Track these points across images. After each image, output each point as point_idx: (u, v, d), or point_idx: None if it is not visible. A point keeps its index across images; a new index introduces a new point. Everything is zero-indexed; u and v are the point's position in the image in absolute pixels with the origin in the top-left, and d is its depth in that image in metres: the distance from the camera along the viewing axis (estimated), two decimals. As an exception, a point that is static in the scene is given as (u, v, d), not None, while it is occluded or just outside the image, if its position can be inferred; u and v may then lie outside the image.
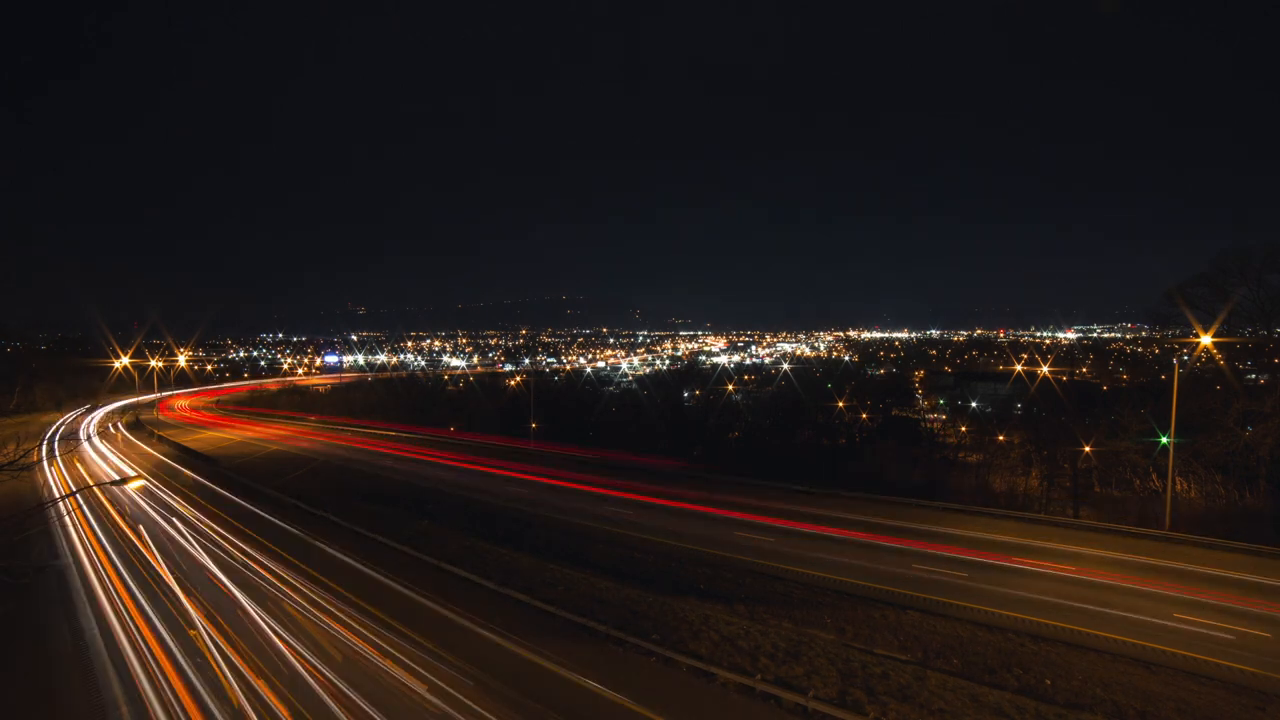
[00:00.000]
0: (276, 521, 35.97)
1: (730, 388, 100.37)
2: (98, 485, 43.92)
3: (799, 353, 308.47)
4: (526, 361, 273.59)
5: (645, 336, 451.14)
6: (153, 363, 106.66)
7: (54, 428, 77.88)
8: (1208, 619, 22.40)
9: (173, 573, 28.12)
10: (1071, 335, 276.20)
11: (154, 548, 31.71)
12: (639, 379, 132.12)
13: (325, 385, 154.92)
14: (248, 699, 17.92)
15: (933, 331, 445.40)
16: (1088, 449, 41.50)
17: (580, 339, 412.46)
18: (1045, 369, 63.18)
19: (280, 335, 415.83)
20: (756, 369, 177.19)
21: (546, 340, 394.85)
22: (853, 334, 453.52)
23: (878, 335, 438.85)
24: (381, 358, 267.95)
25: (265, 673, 19.27)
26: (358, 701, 17.60)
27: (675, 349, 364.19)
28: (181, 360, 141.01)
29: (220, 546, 31.68)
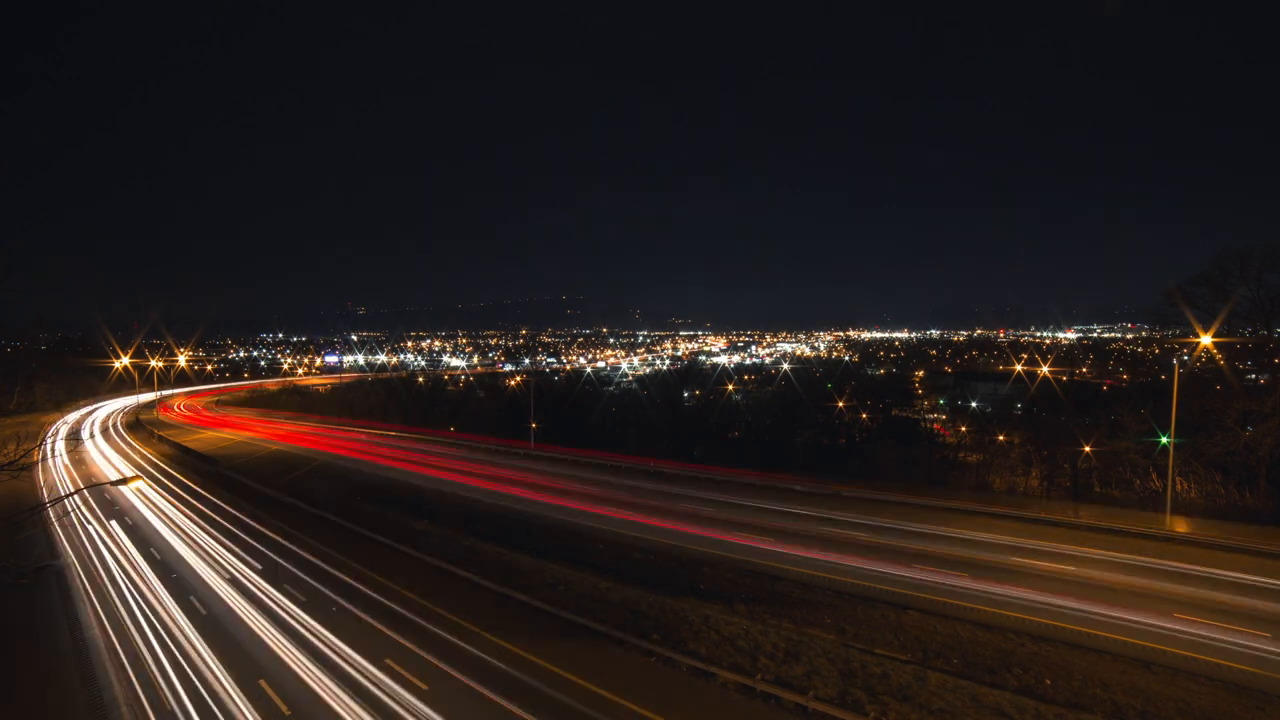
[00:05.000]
0: (276, 522, 35.96)
1: (730, 388, 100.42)
2: (97, 485, 43.92)
3: (799, 353, 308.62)
4: (526, 361, 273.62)
5: (645, 336, 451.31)
6: (153, 363, 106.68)
7: (54, 427, 77.92)
8: (1208, 619, 22.38)
9: (172, 573, 28.14)
10: (1071, 335, 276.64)
11: (153, 548, 31.72)
12: (639, 379, 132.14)
13: (325, 385, 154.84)
14: (247, 699, 17.93)
15: (933, 331, 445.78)
16: (1088, 449, 41.46)
17: (580, 339, 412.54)
18: (1045, 369, 63.17)
19: (280, 335, 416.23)
20: (756, 369, 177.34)
21: (546, 340, 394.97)
22: (853, 334, 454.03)
23: (878, 335, 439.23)
24: (381, 358, 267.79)
25: (263, 673, 19.28)
26: (357, 704, 17.60)
27: (675, 349, 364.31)
28: (181, 360, 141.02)
29: (219, 547, 31.69)
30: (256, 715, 17.19)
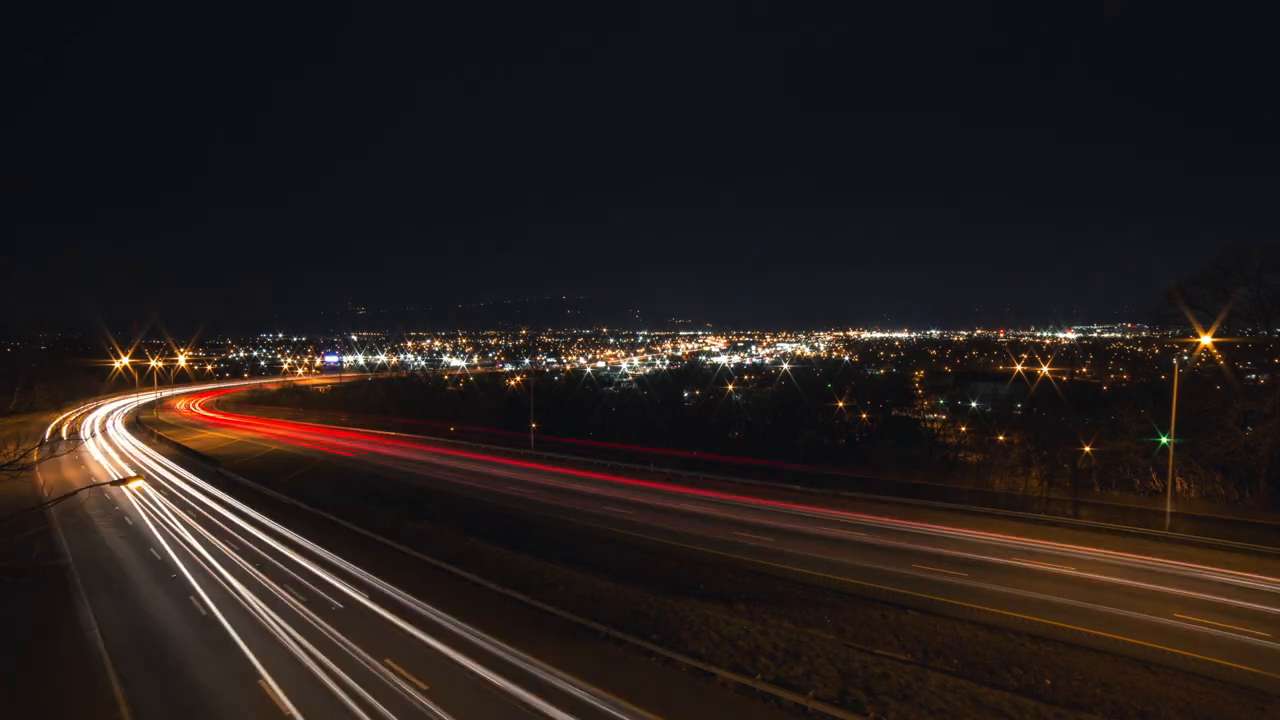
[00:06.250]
0: (275, 522, 35.96)
1: (730, 388, 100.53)
2: (97, 485, 43.88)
3: (799, 353, 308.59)
4: (526, 361, 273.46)
5: (645, 336, 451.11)
6: (153, 362, 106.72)
7: (54, 427, 77.90)
8: (1208, 619, 22.39)
9: (171, 573, 28.13)
10: (1071, 335, 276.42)
11: (153, 548, 31.73)
12: (639, 379, 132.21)
13: (325, 385, 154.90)
14: (247, 699, 17.92)
15: (933, 331, 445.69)
16: (1088, 449, 41.48)
17: (580, 339, 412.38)
18: (1045, 369, 63.20)
19: (280, 335, 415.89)
20: (756, 369, 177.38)
21: (546, 340, 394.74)
22: (853, 334, 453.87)
23: (878, 335, 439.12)
24: (381, 358, 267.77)
25: (263, 673, 19.27)
26: (357, 704, 17.59)
27: (675, 349, 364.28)
28: (181, 360, 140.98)
29: (218, 547, 31.68)
30: (257, 715, 17.18)
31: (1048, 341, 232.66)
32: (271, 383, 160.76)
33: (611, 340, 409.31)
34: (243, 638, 21.65)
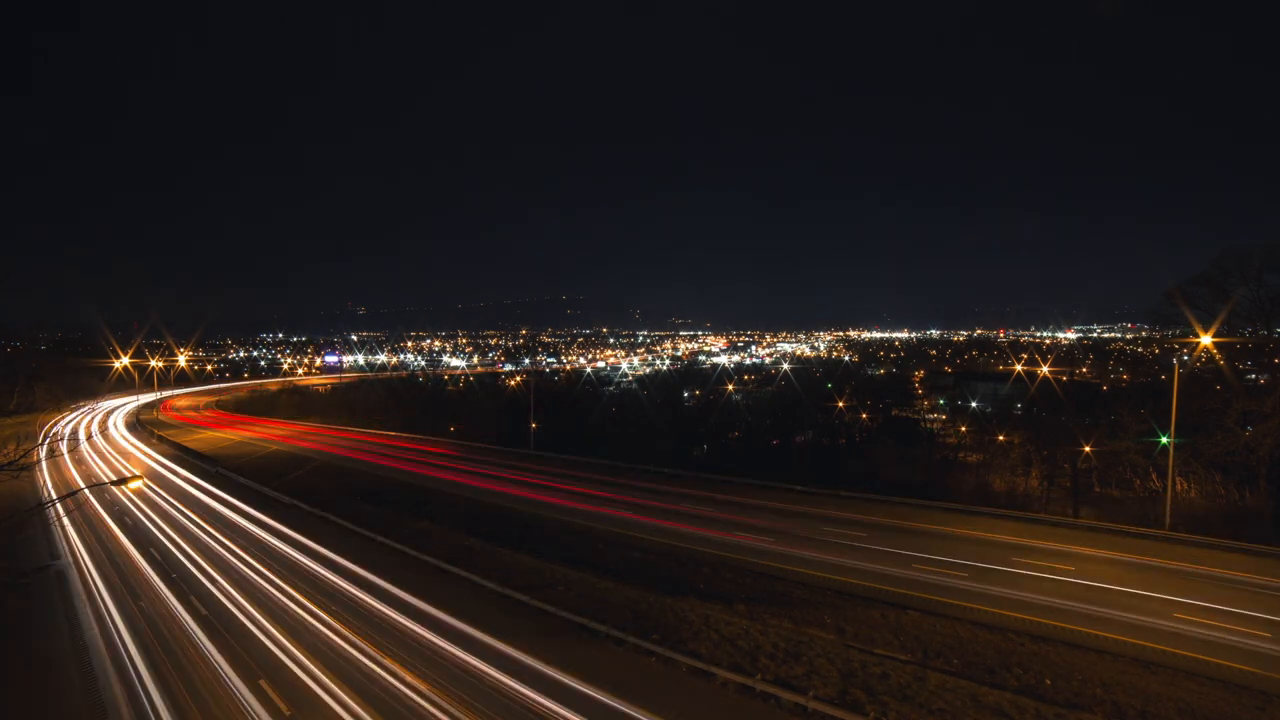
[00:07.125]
0: (275, 522, 35.96)
1: (730, 388, 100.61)
2: (97, 486, 43.89)
3: (799, 353, 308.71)
4: (526, 361, 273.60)
5: (645, 336, 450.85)
6: (153, 363, 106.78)
7: (54, 427, 77.86)
8: (1208, 619, 22.37)
9: (171, 573, 28.14)
10: (1071, 335, 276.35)
11: (153, 547, 31.73)
12: (639, 379, 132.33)
13: (325, 385, 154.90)
14: (248, 699, 17.93)
15: (933, 331, 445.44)
16: (1088, 449, 41.50)
17: (580, 339, 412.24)
18: (1045, 369, 63.24)
19: (280, 335, 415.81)
20: (756, 369, 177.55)
21: (546, 340, 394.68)
22: (853, 334, 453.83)
23: (878, 335, 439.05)
24: (381, 358, 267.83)
25: (264, 672, 19.28)
26: (358, 703, 17.59)
27: (675, 349, 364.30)
28: (181, 360, 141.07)
29: (219, 547, 31.69)
30: (257, 714, 17.18)
31: (1048, 341, 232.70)
32: (271, 383, 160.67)
33: (611, 340, 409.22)
34: (243, 637, 21.66)
